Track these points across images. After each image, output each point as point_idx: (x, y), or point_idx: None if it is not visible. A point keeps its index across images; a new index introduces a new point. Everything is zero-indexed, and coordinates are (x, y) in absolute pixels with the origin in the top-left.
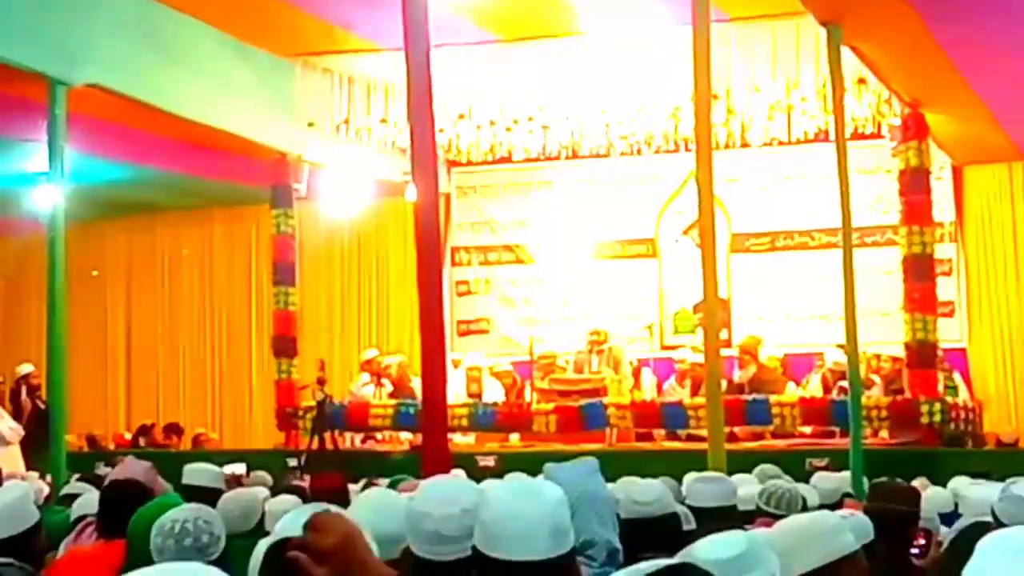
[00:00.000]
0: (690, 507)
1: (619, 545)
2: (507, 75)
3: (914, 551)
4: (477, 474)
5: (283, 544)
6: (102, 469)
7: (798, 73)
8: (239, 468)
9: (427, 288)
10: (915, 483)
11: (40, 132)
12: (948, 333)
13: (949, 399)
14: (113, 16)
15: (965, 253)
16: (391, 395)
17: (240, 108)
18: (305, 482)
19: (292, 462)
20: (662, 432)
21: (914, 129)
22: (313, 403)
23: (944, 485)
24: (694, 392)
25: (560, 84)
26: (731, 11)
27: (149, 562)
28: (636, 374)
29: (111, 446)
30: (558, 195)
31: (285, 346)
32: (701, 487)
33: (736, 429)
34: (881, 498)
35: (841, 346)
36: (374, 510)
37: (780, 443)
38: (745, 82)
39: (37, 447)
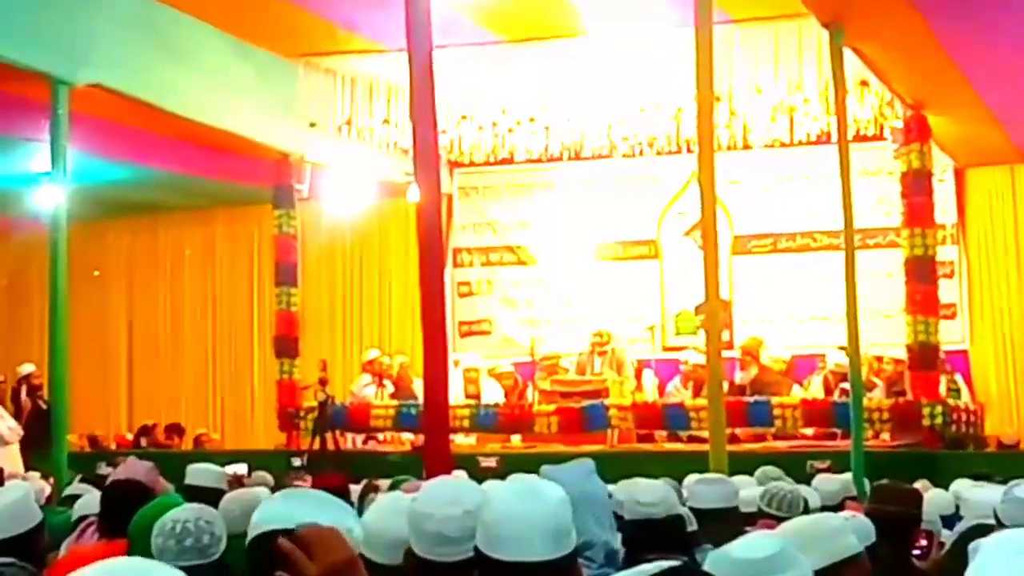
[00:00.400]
0: (691, 509)
1: (617, 546)
2: (509, 76)
3: (916, 553)
4: (479, 475)
5: (270, 535)
6: (104, 469)
7: (800, 75)
8: (241, 468)
9: (429, 289)
10: (916, 485)
11: (42, 132)
12: (950, 335)
13: (952, 401)
14: (116, 16)
15: (967, 255)
16: (392, 396)
17: (242, 108)
18: (306, 482)
19: (296, 461)
20: (663, 433)
21: (916, 131)
22: (315, 403)
23: (946, 487)
24: (696, 393)
25: (562, 85)
26: (734, 12)
27: None
28: (638, 375)
29: (113, 446)
30: (560, 196)
31: (287, 346)
32: (702, 489)
33: (737, 431)
34: (883, 500)
35: (843, 348)
36: (388, 514)
37: (781, 445)
38: (747, 83)
39: (38, 447)
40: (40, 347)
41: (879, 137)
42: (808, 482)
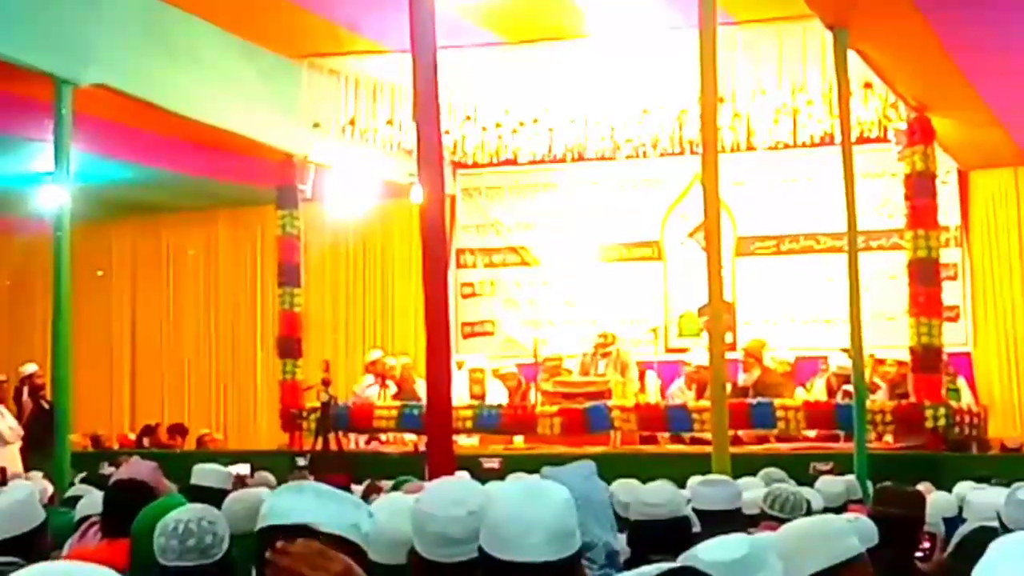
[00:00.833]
0: (694, 510)
1: (618, 547)
2: (513, 77)
3: (919, 555)
4: (481, 476)
5: (279, 529)
6: (106, 469)
7: (804, 76)
8: (244, 469)
9: (432, 290)
10: (919, 487)
11: (46, 132)
12: (953, 337)
13: (953, 403)
14: (120, 16)
15: (971, 257)
16: (395, 396)
17: (246, 109)
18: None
19: (301, 461)
20: (666, 435)
21: (920, 133)
22: (318, 404)
23: (949, 490)
24: (699, 395)
25: (566, 86)
26: (737, 14)
27: (153, 562)
28: (641, 377)
29: (115, 446)
30: (563, 197)
31: (290, 347)
32: (705, 490)
33: (740, 432)
34: (886, 502)
35: (846, 350)
36: (389, 515)
37: (784, 447)
38: (751, 85)
39: (40, 447)
40: (43, 347)
41: (883, 139)
42: (811, 484)
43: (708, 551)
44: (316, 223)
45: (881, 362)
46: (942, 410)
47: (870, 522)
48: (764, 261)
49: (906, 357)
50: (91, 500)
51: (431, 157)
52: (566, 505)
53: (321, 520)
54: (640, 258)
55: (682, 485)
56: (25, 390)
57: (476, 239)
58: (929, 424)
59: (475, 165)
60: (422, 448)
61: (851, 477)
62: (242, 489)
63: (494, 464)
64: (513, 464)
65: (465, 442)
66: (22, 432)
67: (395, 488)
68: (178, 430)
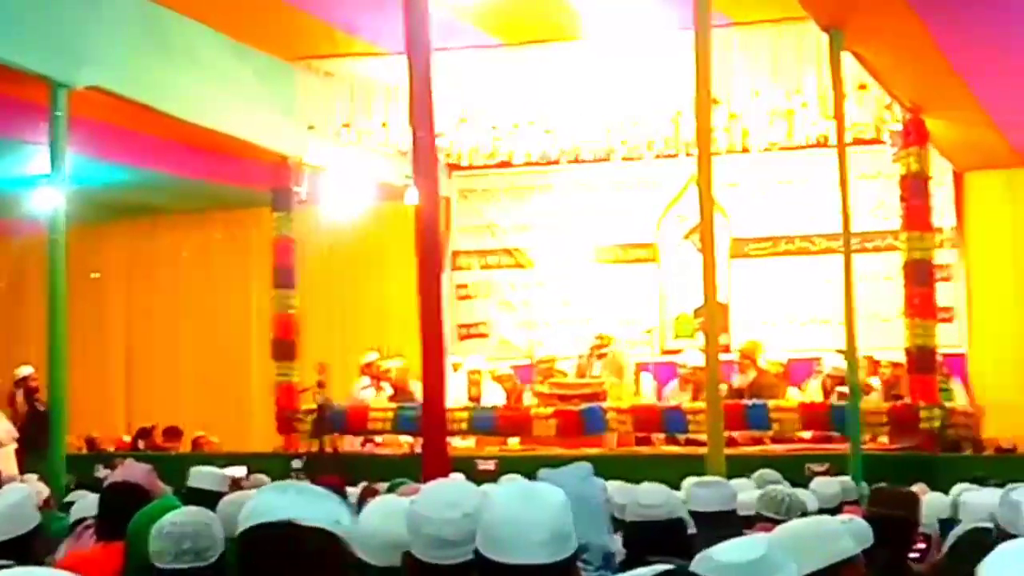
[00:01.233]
0: (689, 512)
1: (614, 549)
2: (508, 79)
3: (913, 556)
4: (476, 478)
5: (262, 528)
6: (101, 471)
7: (799, 78)
8: (239, 471)
9: (427, 292)
10: (914, 488)
11: (41, 134)
12: (948, 339)
13: (947, 404)
14: (115, 18)
15: (965, 259)
16: (391, 398)
17: (241, 111)
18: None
19: (296, 464)
20: (661, 436)
21: (915, 135)
22: (313, 406)
23: (943, 491)
24: (694, 396)
25: (561, 88)
26: (733, 15)
27: (148, 565)
28: (636, 378)
29: (110, 448)
30: (559, 199)
31: (285, 349)
32: (700, 492)
33: (735, 434)
34: (881, 503)
35: (841, 351)
36: (383, 517)
37: (779, 448)
38: (746, 87)
39: (35, 449)
40: (38, 349)
41: (877, 141)
42: (806, 485)
43: (724, 552)
44: (311, 225)
45: (876, 363)
46: (937, 411)
47: (865, 523)
48: (759, 263)
49: (901, 358)
50: (86, 503)
51: (426, 159)
52: (562, 507)
53: (305, 515)
54: (636, 260)
55: (677, 486)
56: (20, 392)
57: (471, 241)
58: (924, 425)
59: (470, 167)
60: (417, 450)
61: (846, 478)
62: (237, 491)
63: (489, 466)
64: (508, 466)
65: (460, 444)
66: (17, 435)
67: (391, 490)
68: (173, 432)
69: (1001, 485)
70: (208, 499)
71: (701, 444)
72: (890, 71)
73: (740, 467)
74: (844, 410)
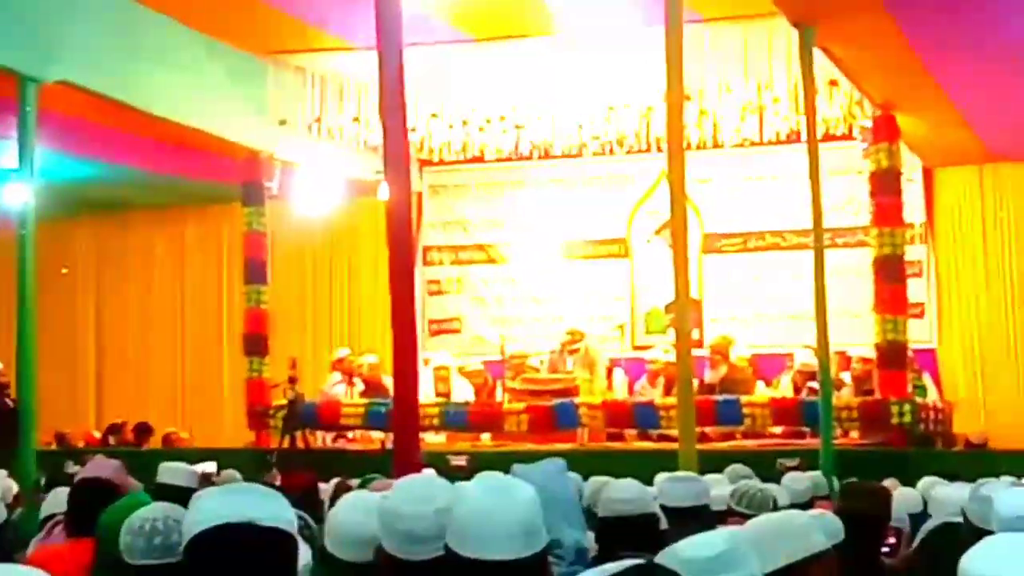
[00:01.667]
0: (661, 507)
1: (587, 544)
2: (480, 74)
3: (884, 551)
4: (448, 474)
5: (211, 532)
6: (71, 468)
7: (770, 74)
8: (210, 467)
9: (399, 287)
10: (885, 483)
11: (10, 129)
12: (918, 334)
13: (918, 399)
14: (85, 13)
15: (935, 255)
16: (363, 394)
17: (212, 106)
18: (276, 480)
19: (271, 459)
20: (633, 432)
21: (885, 131)
22: (284, 402)
23: (914, 486)
24: (666, 392)
25: (533, 83)
26: (704, 11)
27: (118, 561)
28: (608, 374)
29: (81, 445)
30: (530, 195)
31: (256, 344)
32: (672, 487)
33: (707, 429)
34: (852, 498)
35: (812, 347)
36: (354, 512)
37: (751, 443)
38: (717, 83)
39: (4, 446)
40: (7, 345)
41: (848, 137)
42: (777, 480)
43: (686, 548)
44: (282, 220)
45: (847, 359)
46: (907, 406)
47: (836, 518)
48: (730, 258)
49: (872, 354)
50: (56, 499)
51: (397, 154)
52: (532, 502)
53: (262, 516)
54: (607, 255)
55: (649, 482)
56: None
57: (443, 236)
58: (895, 420)
59: (442, 162)
60: (389, 446)
61: (817, 473)
62: (208, 487)
63: (461, 462)
64: (480, 462)
65: (432, 440)
66: None
67: (363, 486)
68: (144, 428)
69: (970, 480)
70: (178, 495)
71: (673, 439)
72: (861, 67)
73: (712, 462)
74: (815, 405)
